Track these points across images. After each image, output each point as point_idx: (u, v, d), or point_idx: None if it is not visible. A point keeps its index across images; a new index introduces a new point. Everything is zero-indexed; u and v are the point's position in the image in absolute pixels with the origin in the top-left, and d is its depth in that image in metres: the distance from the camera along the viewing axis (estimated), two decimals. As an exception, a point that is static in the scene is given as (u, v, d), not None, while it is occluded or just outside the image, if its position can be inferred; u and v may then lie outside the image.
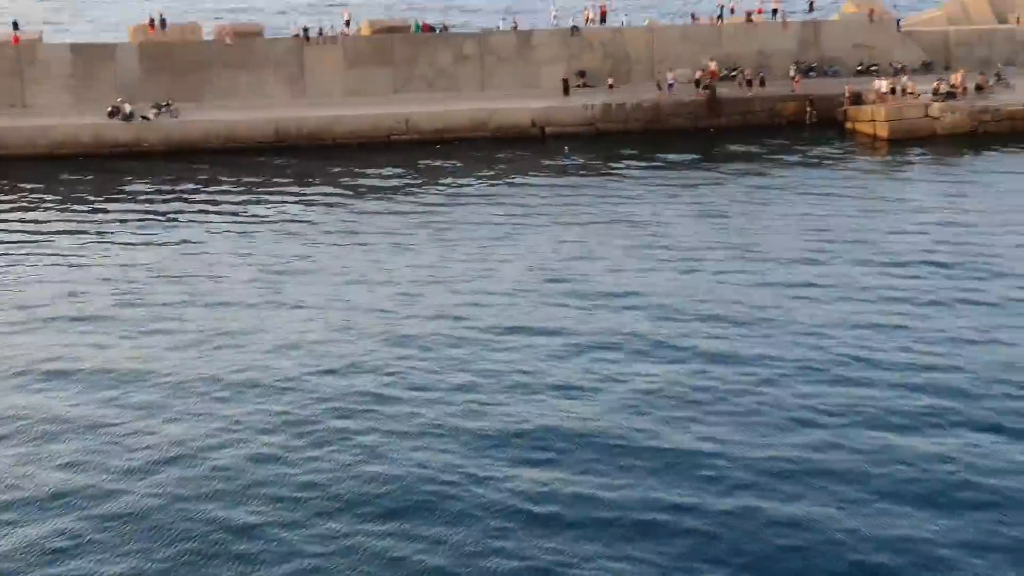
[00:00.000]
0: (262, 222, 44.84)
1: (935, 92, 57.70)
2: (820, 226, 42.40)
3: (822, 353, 29.20)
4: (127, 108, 56.30)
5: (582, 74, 63.30)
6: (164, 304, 34.31)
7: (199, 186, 50.81)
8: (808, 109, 60.00)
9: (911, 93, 57.22)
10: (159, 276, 37.34)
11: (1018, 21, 70.15)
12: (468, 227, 43.27)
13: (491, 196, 48.51)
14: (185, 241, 42.04)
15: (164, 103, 57.25)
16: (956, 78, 58.73)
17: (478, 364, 28.98)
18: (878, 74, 62.78)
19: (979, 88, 58.34)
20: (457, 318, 32.47)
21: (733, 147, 56.84)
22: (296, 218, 45.37)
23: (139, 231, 43.65)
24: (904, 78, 60.06)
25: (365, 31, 65.85)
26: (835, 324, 31.29)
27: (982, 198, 46.21)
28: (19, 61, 59.58)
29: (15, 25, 61.80)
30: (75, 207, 47.81)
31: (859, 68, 65.49)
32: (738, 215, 44.62)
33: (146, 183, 51.27)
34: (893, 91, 57.70)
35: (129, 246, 41.52)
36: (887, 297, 33.77)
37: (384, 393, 27.26)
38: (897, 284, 35.03)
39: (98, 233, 43.37)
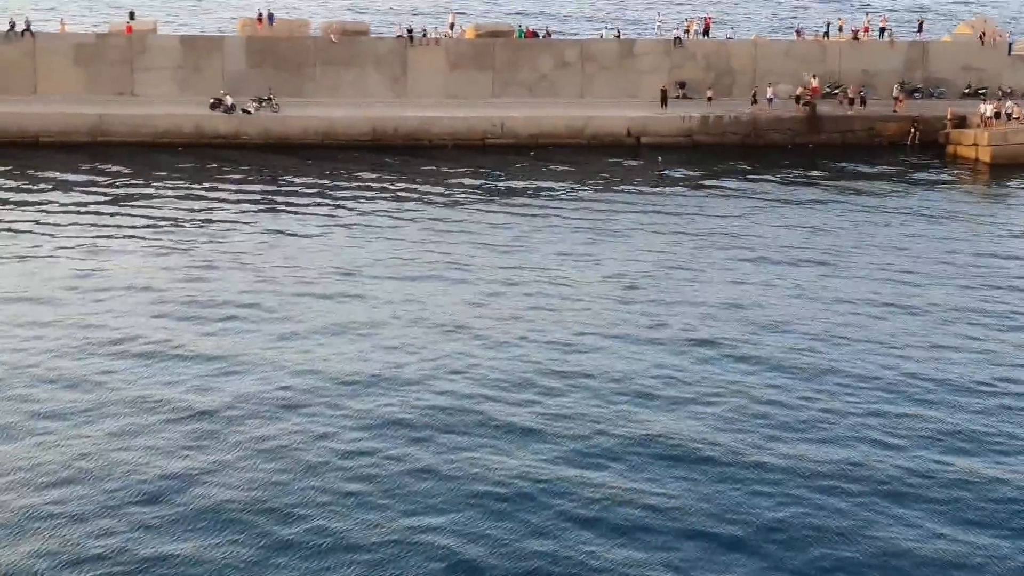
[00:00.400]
0: (347, 216, 45.58)
1: (1042, 118, 56.27)
2: (909, 246, 41.75)
3: (896, 372, 28.74)
4: (229, 100, 57.52)
5: (682, 85, 62.99)
6: (240, 291, 35.15)
7: (293, 179, 51.77)
8: (912, 130, 58.85)
9: (1016, 118, 55.78)
10: (241, 266, 38.24)
11: None
12: (552, 231, 43.45)
13: (579, 203, 48.57)
14: (277, 231, 43.00)
15: (265, 97, 58.36)
16: (1064, 104, 57.26)
17: (556, 366, 29.13)
18: (985, 97, 61.39)
19: (1088, 114, 56.72)
20: (532, 321, 32.66)
21: (830, 165, 56.04)
22: (386, 214, 46.01)
23: (225, 219, 44.75)
24: (1010, 102, 58.59)
25: (469, 35, 66.40)
26: (916, 344, 30.77)
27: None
28: (130, 50, 61.28)
29: (131, 15, 63.63)
30: (166, 194, 48.90)
31: (966, 91, 64.08)
32: (825, 232, 44.06)
33: (241, 175, 52.32)
34: (998, 115, 56.33)
35: (215, 235, 42.52)
36: (973, 321, 33.09)
37: (473, 393, 27.55)
38: (984, 307, 34.31)
39: (181, 221, 44.48)
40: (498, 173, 53.62)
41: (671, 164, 55.82)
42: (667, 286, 36.19)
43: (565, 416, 26.06)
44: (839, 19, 69.94)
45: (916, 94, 64.59)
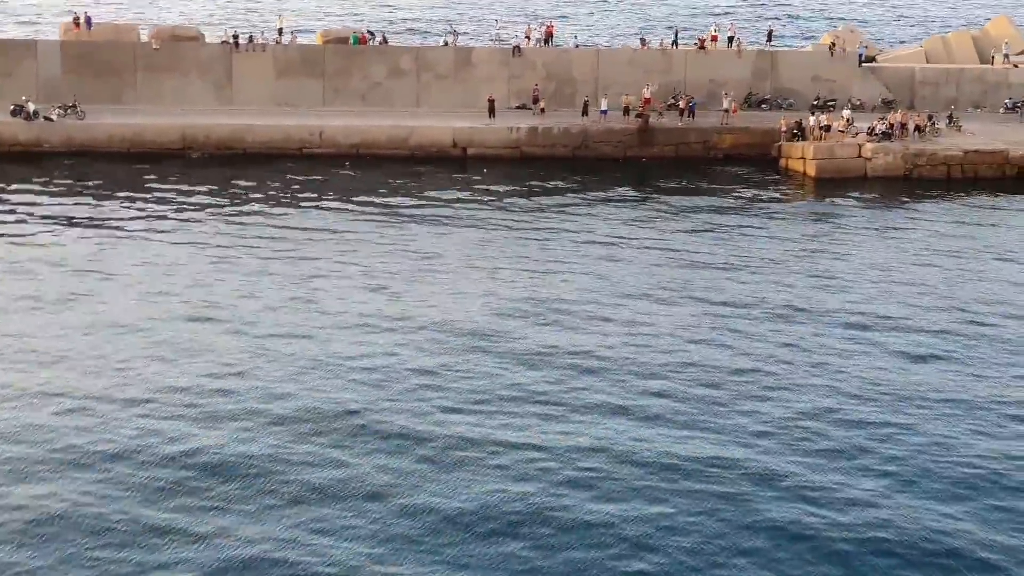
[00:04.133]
0: (127, 226, 43.34)
1: (870, 131, 54.53)
2: (712, 262, 40.14)
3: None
4: (31, 107, 54.94)
5: (535, 100, 60.61)
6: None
7: (89, 186, 49.39)
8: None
9: (840, 131, 54.11)
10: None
11: (992, 61, 66.77)
12: (342, 243, 41.41)
13: (383, 216, 46.28)
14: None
15: (70, 104, 55.81)
16: (894, 117, 55.54)
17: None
18: (830, 109, 59.77)
19: (918, 129, 55.03)
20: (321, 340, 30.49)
21: (658, 180, 54.13)
22: (176, 226, 43.82)
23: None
24: (846, 112, 57.03)
25: (318, 40, 64.28)
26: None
27: (882, 249, 43.22)
28: (-65, 54, 58.66)
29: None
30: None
31: (815, 102, 62.38)
32: (622, 247, 42.15)
33: (37, 184, 49.82)
34: (828, 128, 54.66)
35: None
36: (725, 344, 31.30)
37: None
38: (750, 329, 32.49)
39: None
40: (306, 184, 51.30)
41: (496, 177, 53.74)
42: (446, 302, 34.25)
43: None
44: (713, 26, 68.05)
45: (764, 105, 63.00)
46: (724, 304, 35.56)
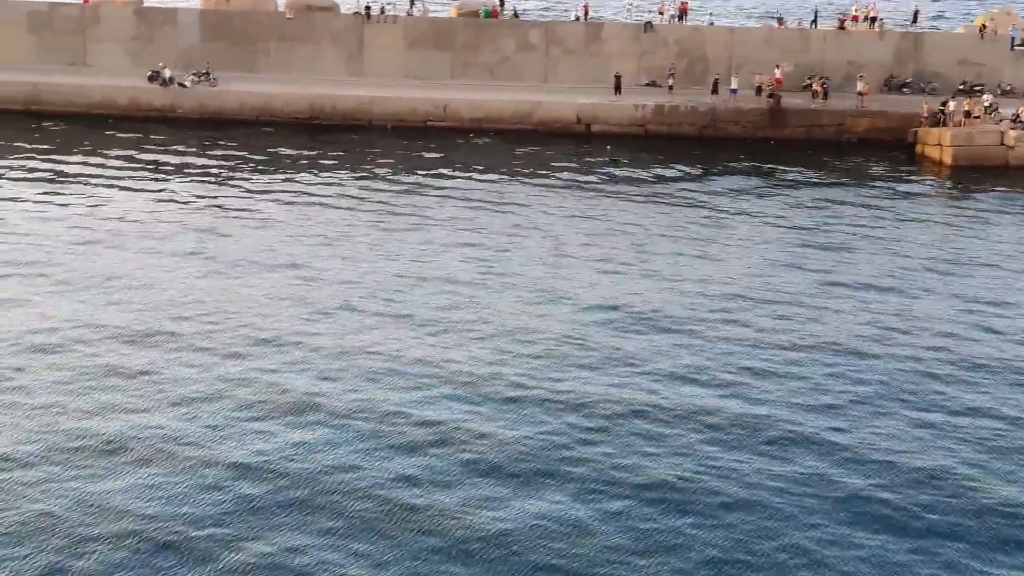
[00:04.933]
0: (257, 194, 43.72)
1: (1015, 119, 51.81)
2: (836, 245, 38.77)
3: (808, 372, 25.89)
4: (167, 73, 56.31)
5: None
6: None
7: (219, 153, 50.28)
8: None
9: (976, 117, 51.52)
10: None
11: None
12: (472, 217, 41.10)
13: (508, 191, 45.80)
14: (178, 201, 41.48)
15: (204, 71, 57.01)
16: (1043, 105, 52.75)
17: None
18: (978, 94, 56.93)
19: (1064, 118, 52.10)
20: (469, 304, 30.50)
21: (788, 162, 52.44)
22: (302, 192, 44.16)
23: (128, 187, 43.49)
24: (987, 97, 54.28)
25: (452, 13, 64.34)
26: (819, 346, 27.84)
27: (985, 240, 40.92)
28: (83, 20, 60.51)
29: (95, -17, 62.88)
30: (93, 164, 47.80)
31: (961, 87, 59.68)
32: (741, 228, 40.87)
33: (170, 148, 50.92)
34: (970, 114, 52.13)
35: (104, 204, 41.18)
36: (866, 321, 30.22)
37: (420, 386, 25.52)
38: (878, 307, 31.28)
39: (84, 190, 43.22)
40: (431, 156, 51.28)
41: (620, 154, 52.89)
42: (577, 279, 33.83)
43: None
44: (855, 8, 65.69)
45: (905, 89, 60.58)
46: (841, 284, 34.23)
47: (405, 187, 45.69)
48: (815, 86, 57.41)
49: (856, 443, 23.58)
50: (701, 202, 45.40)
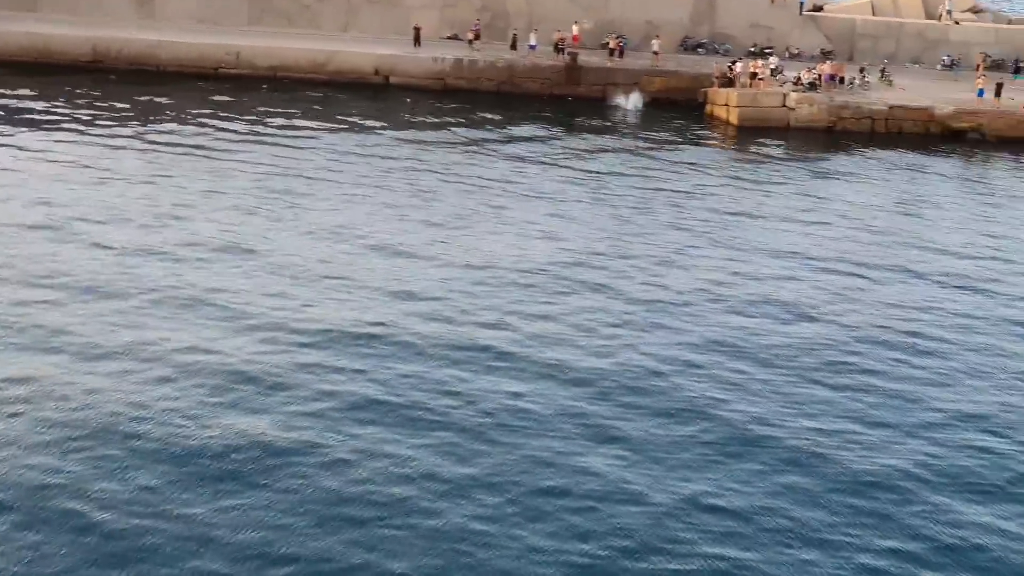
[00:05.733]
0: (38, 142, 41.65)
1: (796, 81, 53.56)
2: (620, 200, 39.37)
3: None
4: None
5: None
6: None
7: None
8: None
9: (760, 78, 53.07)
10: None
11: (940, 18, 65.80)
12: (242, 170, 39.92)
13: (296, 141, 44.85)
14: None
15: (-22, 10, 54.19)
16: (822, 68, 54.56)
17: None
18: (767, 57, 58.50)
19: (842, 81, 54.08)
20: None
21: (582, 119, 53.01)
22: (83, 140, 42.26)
23: None
24: (773, 60, 56.00)
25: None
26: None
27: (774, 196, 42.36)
28: None
29: None
30: None
31: (752, 49, 61.28)
32: (523, 185, 41.06)
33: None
34: (754, 76, 53.61)
35: None
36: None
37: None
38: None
39: None
40: (219, 104, 49.81)
41: (418, 107, 52.52)
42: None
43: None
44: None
45: (700, 50, 61.92)
46: (628, 237, 34.83)
47: (186, 136, 44.32)
48: (611, 44, 58.05)
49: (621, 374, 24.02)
50: (492, 154, 45.53)
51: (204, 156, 41.43)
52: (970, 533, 19.57)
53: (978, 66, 59.95)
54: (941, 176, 47.87)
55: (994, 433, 23.41)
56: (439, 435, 21.59)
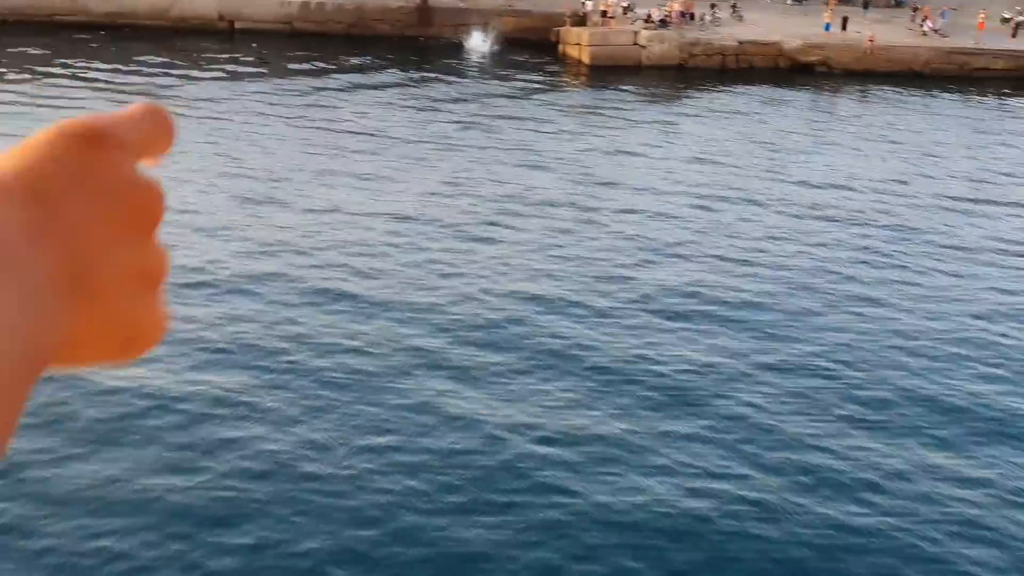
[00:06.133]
0: None
1: (647, 19, 53.56)
2: (466, 143, 38.62)
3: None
4: None
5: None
6: None
7: None
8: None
9: (612, 17, 52.98)
10: None
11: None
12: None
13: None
14: None
15: None
16: (673, 5, 54.69)
17: None
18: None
19: (692, 18, 54.31)
20: None
21: (433, 60, 52.21)
22: None
23: None
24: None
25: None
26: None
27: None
28: None
29: None
30: None
31: (608, -14, 61.05)
32: (379, 134, 40.17)
33: None
34: (604, 14, 53.44)
35: None
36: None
37: None
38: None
39: None
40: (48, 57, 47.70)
41: (266, 54, 51.02)
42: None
43: None
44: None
45: (554, -12, 61.44)
46: (474, 179, 34.26)
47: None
48: (465, -17, 57.37)
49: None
50: (340, 101, 44.50)
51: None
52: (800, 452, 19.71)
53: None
54: (792, 108, 48.44)
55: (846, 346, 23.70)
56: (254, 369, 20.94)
